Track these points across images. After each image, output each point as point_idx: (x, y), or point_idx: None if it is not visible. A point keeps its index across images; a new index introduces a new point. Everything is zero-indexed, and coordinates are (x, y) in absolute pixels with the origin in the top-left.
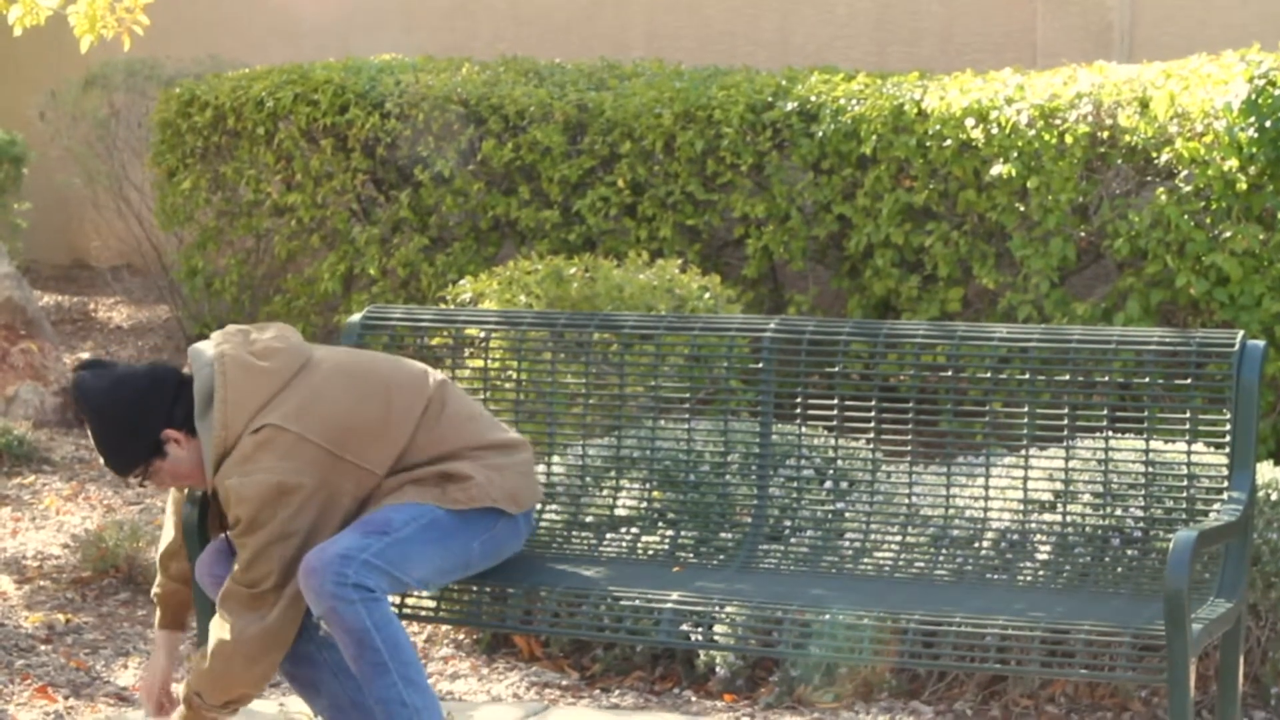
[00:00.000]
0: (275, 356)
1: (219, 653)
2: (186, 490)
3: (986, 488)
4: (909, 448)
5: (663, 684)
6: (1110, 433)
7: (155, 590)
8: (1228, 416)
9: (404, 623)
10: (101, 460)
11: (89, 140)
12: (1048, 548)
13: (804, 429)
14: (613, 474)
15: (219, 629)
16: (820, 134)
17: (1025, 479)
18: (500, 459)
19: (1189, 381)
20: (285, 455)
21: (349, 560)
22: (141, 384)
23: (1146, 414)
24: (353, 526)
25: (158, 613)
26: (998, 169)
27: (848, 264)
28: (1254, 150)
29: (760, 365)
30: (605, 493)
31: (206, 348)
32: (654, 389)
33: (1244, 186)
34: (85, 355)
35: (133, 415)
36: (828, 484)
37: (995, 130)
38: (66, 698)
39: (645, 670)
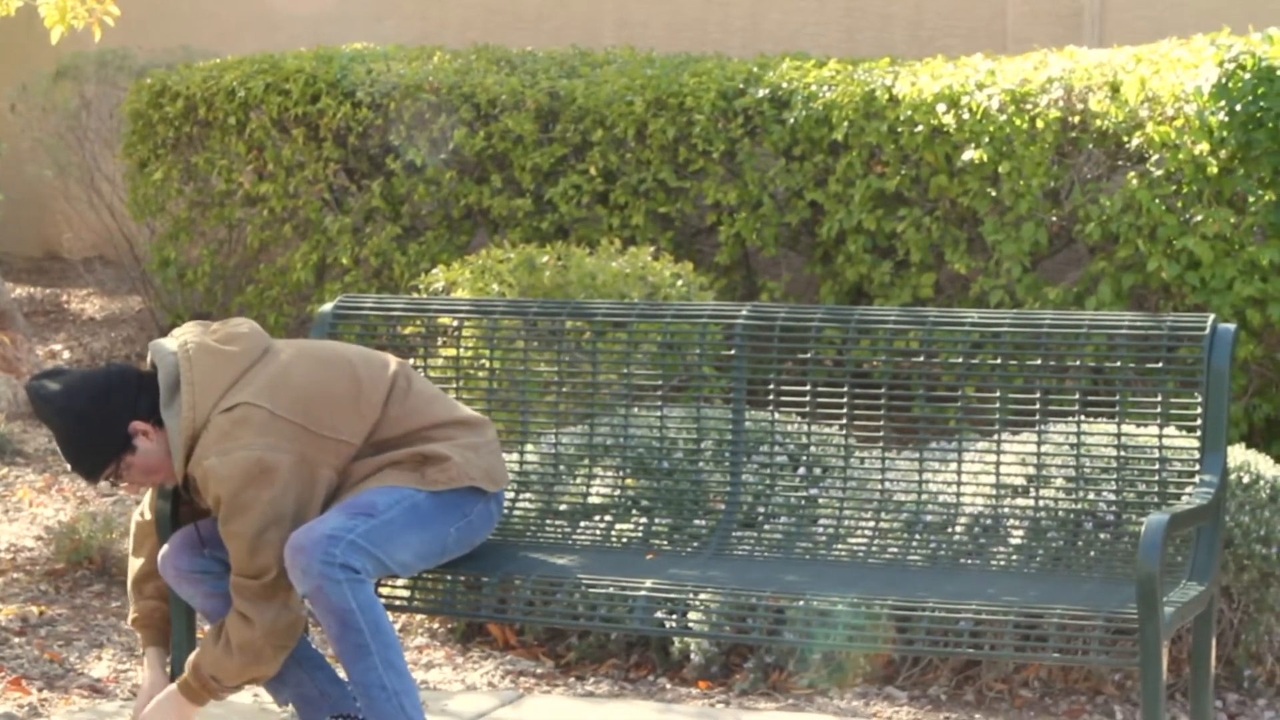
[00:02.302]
0: (238, 341)
1: (247, 646)
2: (152, 518)
3: (959, 473)
4: (882, 433)
5: (637, 671)
6: (1082, 417)
7: (133, 616)
8: (1199, 400)
9: None
10: (70, 466)
11: (60, 132)
12: (1020, 532)
13: (777, 415)
14: (586, 462)
15: (241, 623)
16: (792, 120)
17: (998, 464)
18: (473, 438)
19: (1160, 365)
20: (261, 432)
21: (336, 540)
22: (100, 381)
23: (1118, 398)
24: (338, 508)
25: (141, 635)
26: (969, 154)
27: (820, 250)
28: (1224, 134)
29: (733, 352)
30: (579, 481)
31: (167, 341)
32: (627, 377)
33: (1215, 170)
34: (58, 347)
35: (96, 412)
36: (801, 470)
37: (966, 116)
38: (40, 690)
39: (620, 658)
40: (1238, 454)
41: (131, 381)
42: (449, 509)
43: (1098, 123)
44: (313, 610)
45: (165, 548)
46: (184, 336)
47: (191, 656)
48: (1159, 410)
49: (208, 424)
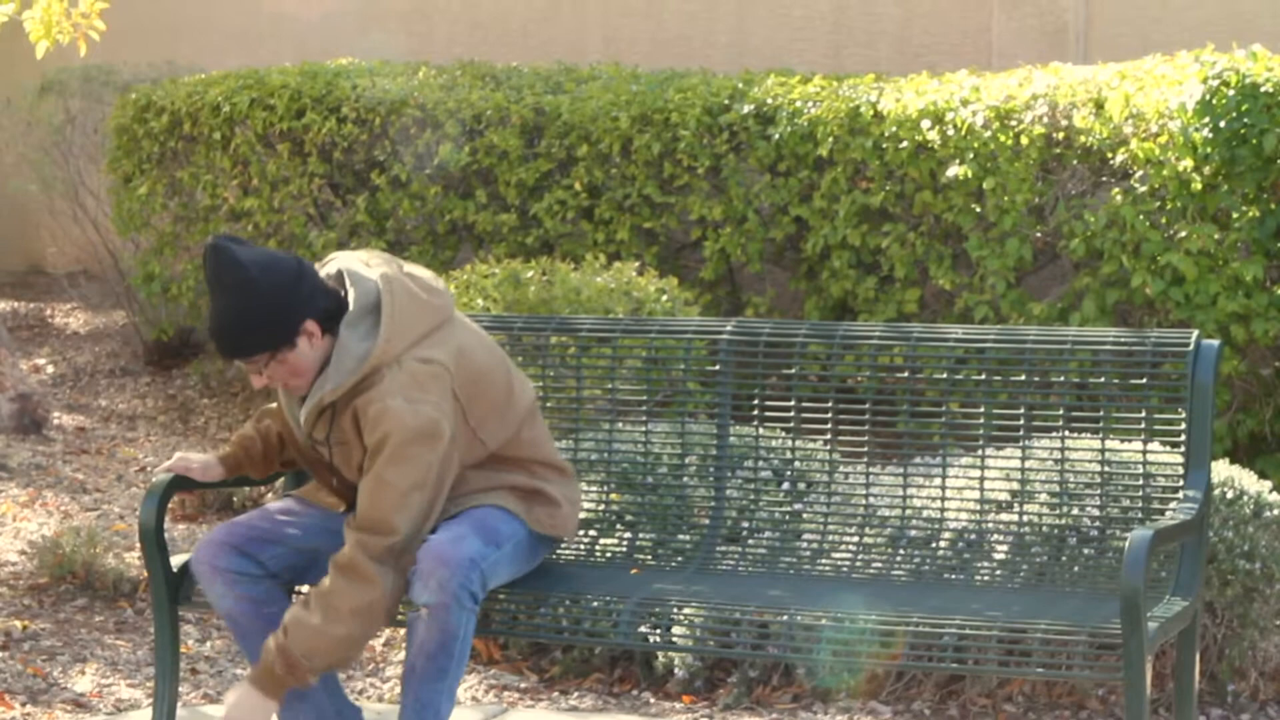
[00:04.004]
0: (436, 295)
1: (366, 610)
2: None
3: (943, 488)
4: (866, 448)
5: (621, 686)
6: (1066, 432)
7: (241, 431)
8: (1183, 416)
9: None
10: (224, 341)
11: (45, 146)
12: (1005, 547)
13: (761, 430)
14: None
15: (362, 586)
16: (777, 136)
17: (982, 479)
18: (571, 491)
19: (1145, 381)
20: (444, 398)
21: (476, 566)
22: (294, 266)
23: (1102, 413)
24: (471, 526)
25: (230, 443)
26: (954, 170)
27: (805, 265)
28: (1208, 150)
29: (718, 367)
30: None
31: (358, 265)
32: (611, 392)
33: (1199, 186)
34: (42, 361)
35: (284, 295)
36: (785, 485)
37: (951, 132)
38: (23, 704)
39: (604, 672)
40: (1221, 469)
41: (319, 280)
42: (530, 551)
43: (1082, 139)
44: (426, 617)
45: (202, 544)
46: (380, 267)
47: (270, 642)
48: (1143, 426)
49: (398, 364)
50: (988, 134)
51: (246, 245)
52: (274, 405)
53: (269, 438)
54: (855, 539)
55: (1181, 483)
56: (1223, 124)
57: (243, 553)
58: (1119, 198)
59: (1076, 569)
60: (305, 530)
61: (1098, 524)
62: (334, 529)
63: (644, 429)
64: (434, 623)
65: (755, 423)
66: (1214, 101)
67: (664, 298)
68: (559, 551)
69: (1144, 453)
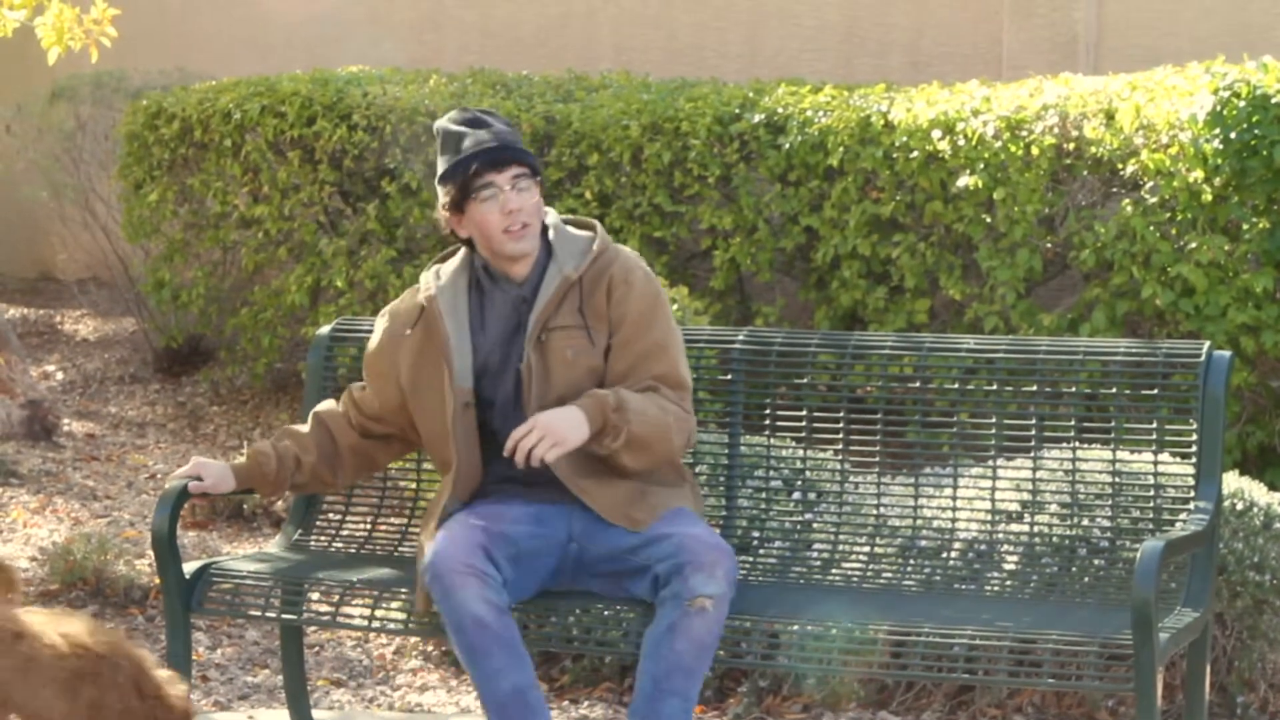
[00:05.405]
0: None
1: (684, 419)
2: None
3: (954, 498)
4: (877, 458)
5: (631, 695)
6: (1077, 443)
7: (256, 446)
8: (1194, 427)
9: (373, 635)
10: (501, 141)
11: (55, 153)
12: (1015, 558)
13: (772, 440)
14: None
15: (668, 410)
16: (787, 146)
17: (993, 489)
18: None
19: (1155, 392)
20: None
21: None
22: None
23: (1113, 424)
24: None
25: (247, 451)
26: (964, 180)
27: (815, 275)
28: (1219, 161)
29: (729, 376)
30: None
31: None
32: None
33: (1209, 198)
34: (51, 368)
35: None
36: (796, 495)
37: (962, 142)
38: None
39: (614, 681)
40: (1231, 481)
41: None
42: None
43: (1092, 150)
44: (711, 608)
45: (443, 544)
46: None
47: (606, 392)
48: (1154, 437)
49: (615, 248)
50: (998, 144)
51: None
52: (297, 428)
53: (285, 458)
54: (866, 549)
55: (1192, 494)
56: (1233, 135)
57: (488, 554)
58: (1129, 209)
59: (1087, 580)
60: (512, 540)
61: (1108, 535)
62: (523, 533)
63: None
64: (716, 614)
65: (766, 432)
66: (1225, 113)
67: (674, 307)
68: None
69: (1155, 464)
